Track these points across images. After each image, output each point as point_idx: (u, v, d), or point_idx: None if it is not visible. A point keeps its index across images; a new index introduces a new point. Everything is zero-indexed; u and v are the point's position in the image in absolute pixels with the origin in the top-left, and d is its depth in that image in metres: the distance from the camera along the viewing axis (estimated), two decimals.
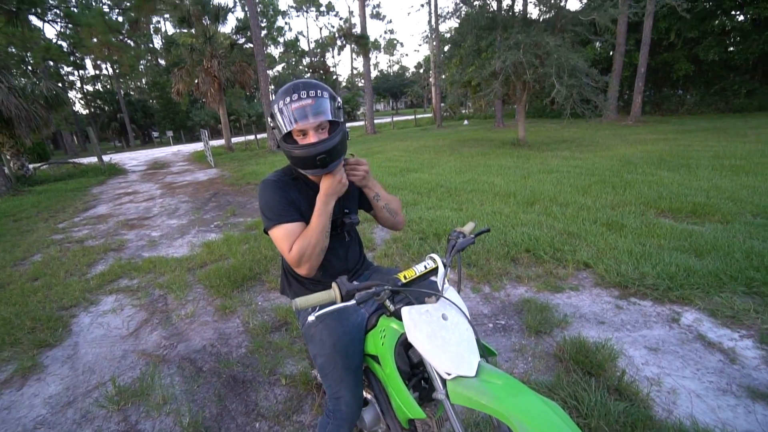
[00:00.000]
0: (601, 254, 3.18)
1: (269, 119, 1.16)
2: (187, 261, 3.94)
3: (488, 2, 10.34)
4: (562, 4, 9.62)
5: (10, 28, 12.47)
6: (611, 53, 18.47)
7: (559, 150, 9.46)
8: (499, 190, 5.61)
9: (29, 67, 24.20)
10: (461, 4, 10.47)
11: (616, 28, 15.53)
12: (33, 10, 12.90)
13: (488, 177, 6.62)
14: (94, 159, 15.05)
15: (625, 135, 11.68)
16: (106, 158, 15.69)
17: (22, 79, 14.00)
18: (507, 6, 10.41)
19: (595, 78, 8.71)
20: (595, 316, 2.42)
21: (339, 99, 1.17)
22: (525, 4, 11.06)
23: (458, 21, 10.89)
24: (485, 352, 1.07)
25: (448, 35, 12.33)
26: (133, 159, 19.37)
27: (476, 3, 10.30)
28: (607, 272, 2.88)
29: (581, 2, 10.93)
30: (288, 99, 1.07)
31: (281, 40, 42.35)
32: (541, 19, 9.82)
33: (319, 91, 1.09)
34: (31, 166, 12.44)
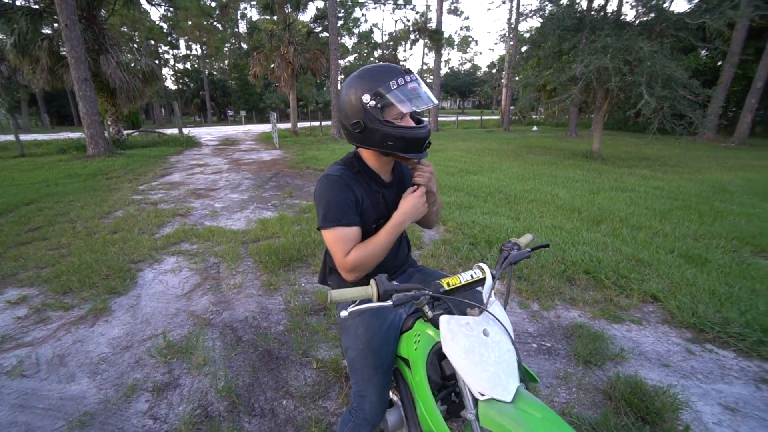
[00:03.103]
0: (675, 289, 2.80)
1: (366, 97, 1.03)
2: (242, 234, 4.17)
3: (577, 1, 9.60)
4: (665, 5, 8.61)
5: (124, 10, 14.13)
6: (719, 63, 16.21)
7: (638, 167, 8.58)
8: (562, 203, 5.22)
9: (134, 45, 27.31)
10: (546, 2, 9.83)
11: (731, 33, 13.56)
12: None
13: (552, 188, 6.19)
14: (176, 130, 16.60)
15: (724, 158, 10.28)
16: (185, 131, 17.24)
17: (128, 55, 15.80)
18: (598, 6, 9.59)
19: (694, 90, 7.70)
20: (659, 356, 2.13)
21: None
22: (620, 5, 10.11)
23: (541, 20, 10.25)
24: (526, 377, 0.98)
25: (528, 35, 11.66)
26: (208, 134, 21.06)
27: (563, 2, 9.60)
28: (679, 310, 2.53)
29: (689, 3, 9.68)
30: (402, 80, 1.02)
31: (356, 30, 43.19)
32: (637, 22, 8.88)
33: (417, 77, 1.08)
34: (125, 132, 14.05)
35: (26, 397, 1.86)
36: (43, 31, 11.57)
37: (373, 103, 1.03)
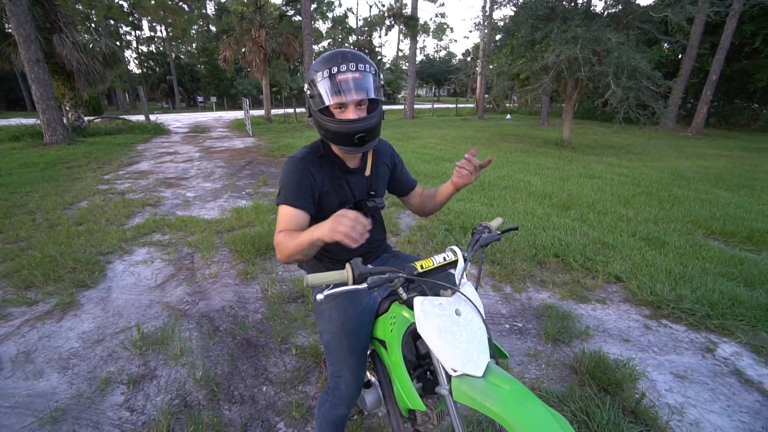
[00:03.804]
0: (636, 269, 3.00)
1: (306, 86, 1.10)
2: (216, 224, 4.08)
3: None
4: None
5: None
6: (680, 56, 16.98)
7: (605, 155, 8.95)
8: (534, 189, 5.39)
9: (92, 25, 25.51)
10: None
11: (690, 28, 14.18)
12: None
13: (525, 175, 6.38)
14: (142, 117, 15.79)
15: (682, 147, 10.87)
16: (152, 117, 16.44)
17: (85, 35, 14.77)
18: None
19: (657, 82, 8.07)
20: (620, 332, 2.29)
21: (382, 76, 1.12)
22: None
23: (514, 9, 10.36)
24: (496, 354, 1.03)
25: (502, 23, 11.75)
26: (177, 121, 20.17)
27: None
28: (639, 289, 2.71)
29: None
30: (335, 69, 1.00)
31: (330, 15, 42.14)
32: (605, 14, 9.15)
33: (366, 66, 1.03)
34: (86, 118, 13.23)
35: None
36: None
37: (308, 91, 1.08)
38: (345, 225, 0.86)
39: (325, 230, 0.90)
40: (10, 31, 9.87)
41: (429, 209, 1.42)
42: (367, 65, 1.04)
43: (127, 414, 1.69)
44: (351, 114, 1.04)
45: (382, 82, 1.11)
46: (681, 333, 2.29)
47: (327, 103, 1.03)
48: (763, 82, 16.23)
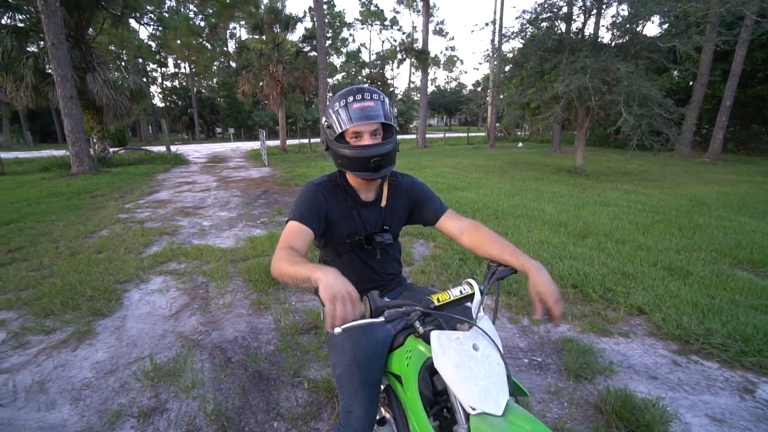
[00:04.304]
0: (660, 301, 2.87)
1: (323, 119, 1.17)
2: (231, 253, 4.12)
3: (556, 24, 10.04)
4: (639, 29, 9.07)
5: (112, 29, 14.20)
6: (691, 83, 17.03)
7: (620, 182, 8.84)
8: (549, 218, 5.32)
9: (122, 63, 27.27)
10: (527, 25, 10.25)
11: (699, 56, 14.32)
12: (133, 15, 14.57)
13: (539, 203, 6.32)
14: (163, 148, 16.47)
15: (700, 173, 10.67)
16: (173, 148, 17.12)
17: (115, 73, 15.77)
18: (576, 29, 10.04)
19: (669, 109, 8.06)
20: (647, 369, 2.17)
21: (395, 109, 1.19)
22: (596, 28, 10.60)
23: (522, 42, 10.66)
24: (516, 391, 0.99)
25: (511, 55, 12.09)
26: (196, 151, 20.94)
27: (543, 25, 10.03)
28: (665, 322, 2.59)
29: (660, 28, 10.24)
30: (351, 98, 1.09)
31: (344, 50, 44.08)
32: (613, 44, 9.32)
33: (380, 96, 1.12)
34: (111, 149, 13.87)
35: (1, 428, 1.78)
36: (29, 48, 11.49)
37: (326, 122, 1.15)
38: (339, 308, 0.80)
39: (323, 286, 0.82)
40: (49, 71, 10.62)
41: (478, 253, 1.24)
42: (381, 96, 1.13)
43: None
44: (366, 141, 1.10)
45: (396, 113, 1.17)
46: (714, 371, 2.15)
47: (344, 127, 1.10)
48: None
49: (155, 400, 1.96)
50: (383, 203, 1.29)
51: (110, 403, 1.94)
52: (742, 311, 2.65)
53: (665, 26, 9.73)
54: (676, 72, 16.85)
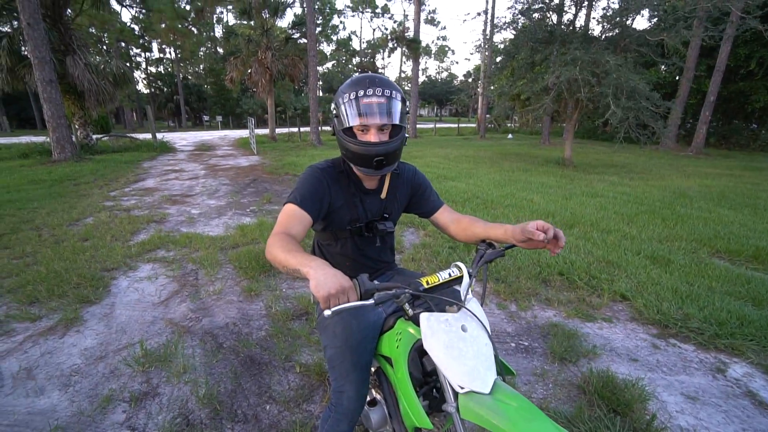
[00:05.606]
0: (642, 288, 2.97)
1: (333, 106, 1.13)
2: (220, 240, 4.09)
3: (548, 15, 10.04)
4: (628, 22, 9.15)
5: (92, 10, 13.66)
6: (677, 78, 17.32)
7: (607, 174, 9.00)
8: (537, 208, 5.41)
9: (104, 47, 26.36)
10: (519, 16, 10.24)
11: (686, 51, 14.54)
12: None
13: (527, 194, 6.41)
14: (148, 135, 16.08)
15: (683, 166, 10.93)
16: (159, 136, 16.73)
17: (97, 57, 15.24)
18: (567, 21, 10.07)
19: (655, 102, 8.20)
20: (628, 352, 2.26)
21: (408, 102, 1.14)
22: (587, 20, 10.65)
23: (514, 32, 10.66)
24: (503, 371, 1.02)
25: (502, 46, 12.08)
26: (183, 139, 20.51)
27: (535, 15, 10.03)
28: (646, 308, 2.69)
29: (650, 22, 10.34)
30: (361, 92, 1.03)
31: (334, 38, 43.35)
32: (603, 37, 9.39)
33: (393, 92, 1.06)
34: (94, 136, 13.48)
35: None
36: (2, 29, 11.01)
37: (334, 111, 1.12)
38: (332, 303, 0.79)
39: (314, 284, 0.80)
40: (26, 53, 10.21)
41: (463, 238, 1.31)
42: (394, 91, 1.06)
43: None
44: (372, 137, 1.06)
45: (408, 108, 1.13)
46: (690, 353, 2.25)
47: (349, 124, 1.07)
48: (761, 103, 16.52)
49: (146, 384, 1.96)
50: (383, 194, 1.30)
51: (101, 388, 1.93)
52: (718, 297, 2.77)
53: (654, 20, 9.82)
54: (663, 66, 17.13)
